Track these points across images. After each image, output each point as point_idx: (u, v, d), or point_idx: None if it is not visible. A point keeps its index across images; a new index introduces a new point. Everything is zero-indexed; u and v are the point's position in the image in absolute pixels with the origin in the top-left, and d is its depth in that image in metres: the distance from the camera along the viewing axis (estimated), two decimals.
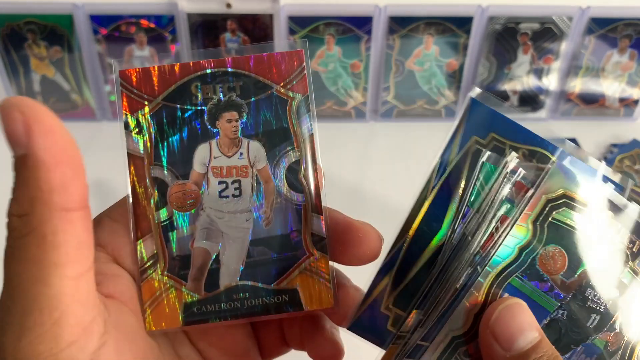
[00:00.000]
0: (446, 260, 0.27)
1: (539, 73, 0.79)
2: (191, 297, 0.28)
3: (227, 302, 0.28)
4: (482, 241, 0.26)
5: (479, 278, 0.26)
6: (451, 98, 0.81)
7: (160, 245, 0.28)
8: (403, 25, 0.75)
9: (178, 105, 0.28)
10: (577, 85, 0.81)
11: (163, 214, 0.28)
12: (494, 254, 0.26)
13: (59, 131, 0.22)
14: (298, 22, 0.74)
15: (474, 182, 0.27)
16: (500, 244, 0.26)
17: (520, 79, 0.80)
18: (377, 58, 0.77)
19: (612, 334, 0.26)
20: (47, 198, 0.22)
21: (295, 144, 0.28)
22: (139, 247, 0.28)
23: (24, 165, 0.22)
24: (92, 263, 0.24)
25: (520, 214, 0.26)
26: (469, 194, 0.27)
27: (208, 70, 0.28)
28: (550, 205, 0.26)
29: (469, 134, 0.28)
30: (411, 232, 0.28)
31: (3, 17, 0.73)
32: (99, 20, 0.74)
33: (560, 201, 0.26)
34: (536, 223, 0.26)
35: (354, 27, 0.74)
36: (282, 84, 0.28)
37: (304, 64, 0.28)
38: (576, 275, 0.26)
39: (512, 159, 0.27)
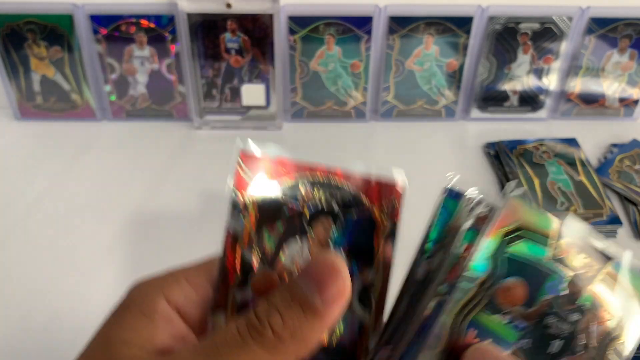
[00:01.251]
0: (411, 296, 0.28)
1: (539, 73, 0.79)
2: None
3: None
4: (448, 272, 0.27)
5: (443, 315, 0.26)
6: (451, 98, 0.81)
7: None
8: (403, 25, 0.75)
9: (282, 199, 0.30)
10: (577, 85, 0.81)
11: (241, 294, 0.29)
12: (461, 281, 0.26)
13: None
14: (298, 22, 0.74)
15: (435, 219, 0.28)
16: (468, 269, 0.26)
17: (520, 79, 0.80)
18: (377, 58, 0.77)
19: (576, 356, 0.26)
20: None
21: (375, 264, 0.30)
22: (210, 317, 0.29)
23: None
24: None
25: (482, 239, 0.27)
26: (430, 231, 0.28)
27: (318, 176, 0.30)
28: (506, 238, 0.27)
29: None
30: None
31: (3, 17, 0.73)
32: (99, 20, 0.74)
33: (515, 234, 0.27)
34: (494, 257, 0.27)
35: (354, 27, 0.74)
36: (379, 208, 0.30)
37: (402, 199, 0.30)
38: (537, 304, 0.27)
39: (472, 192, 0.28)
